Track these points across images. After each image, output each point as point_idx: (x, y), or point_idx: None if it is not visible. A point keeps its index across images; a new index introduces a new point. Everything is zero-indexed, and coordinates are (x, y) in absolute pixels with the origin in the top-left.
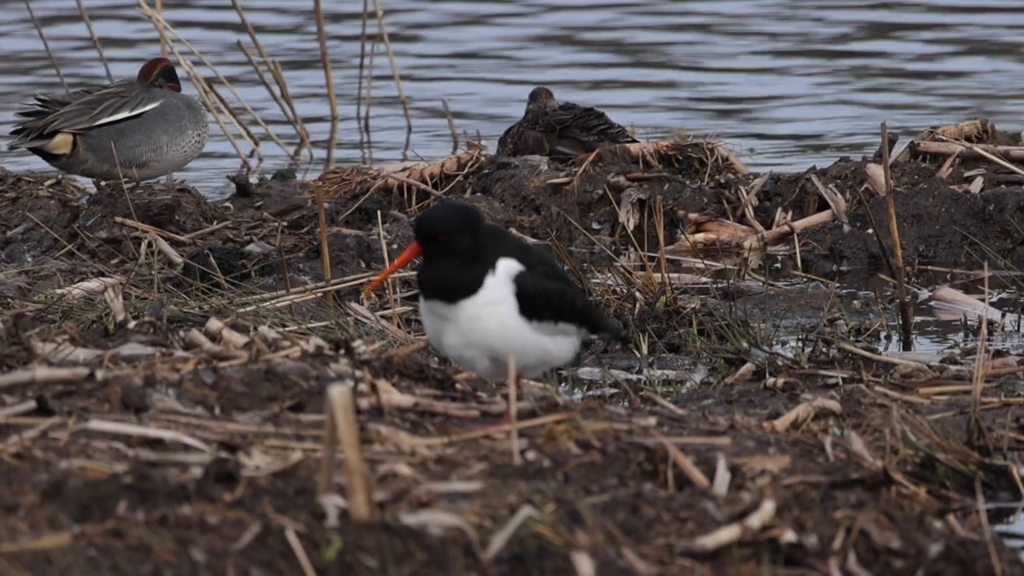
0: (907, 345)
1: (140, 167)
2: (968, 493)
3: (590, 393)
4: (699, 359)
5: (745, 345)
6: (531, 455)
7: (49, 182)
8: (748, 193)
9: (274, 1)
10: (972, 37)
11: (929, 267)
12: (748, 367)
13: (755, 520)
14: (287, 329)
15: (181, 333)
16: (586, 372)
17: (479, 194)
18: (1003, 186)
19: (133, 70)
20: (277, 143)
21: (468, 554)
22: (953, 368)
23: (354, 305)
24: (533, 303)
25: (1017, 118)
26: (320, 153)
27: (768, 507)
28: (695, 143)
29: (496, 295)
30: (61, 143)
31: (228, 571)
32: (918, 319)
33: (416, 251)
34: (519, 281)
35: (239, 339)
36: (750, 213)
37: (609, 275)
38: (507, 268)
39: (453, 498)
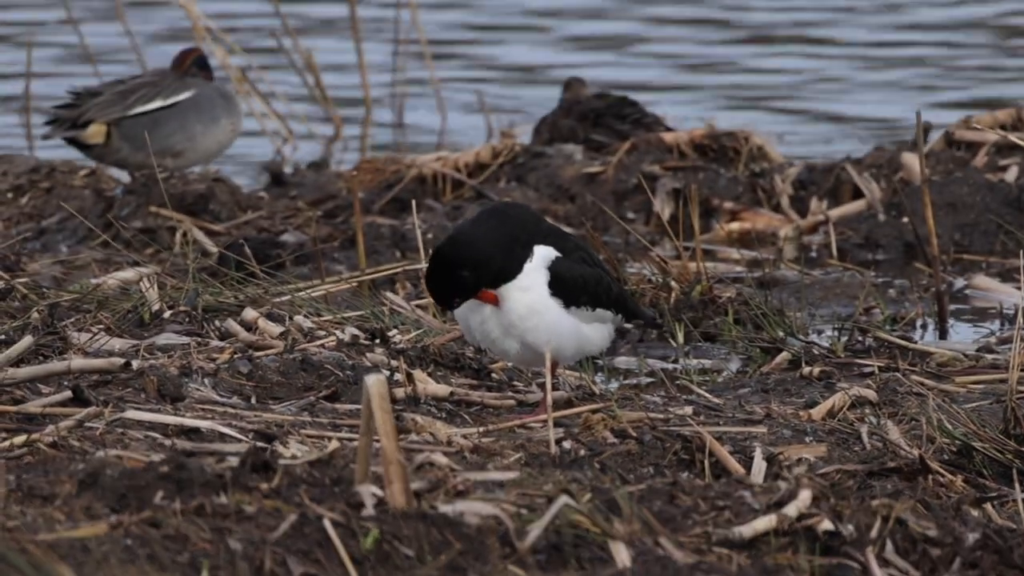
0: (943, 334)
1: (174, 156)
2: (1005, 481)
3: (626, 382)
4: (735, 348)
5: (781, 334)
6: (567, 444)
7: (83, 172)
8: (783, 182)
9: None
10: None
11: (964, 256)
12: (784, 356)
13: (792, 509)
14: (322, 319)
15: (216, 323)
16: (622, 361)
17: (514, 183)
18: None
19: (167, 59)
20: (311, 132)
21: (505, 543)
22: (989, 357)
23: (389, 294)
24: (569, 288)
25: None
26: (354, 142)
27: (805, 496)
28: (730, 132)
29: (532, 280)
30: (95, 133)
31: (265, 560)
32: (954, 308)
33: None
34: (554, 267)
35: (275, 329)
36: (785, 202)
37: (644, 264)
38: (543, 254)
39: (490, 487)
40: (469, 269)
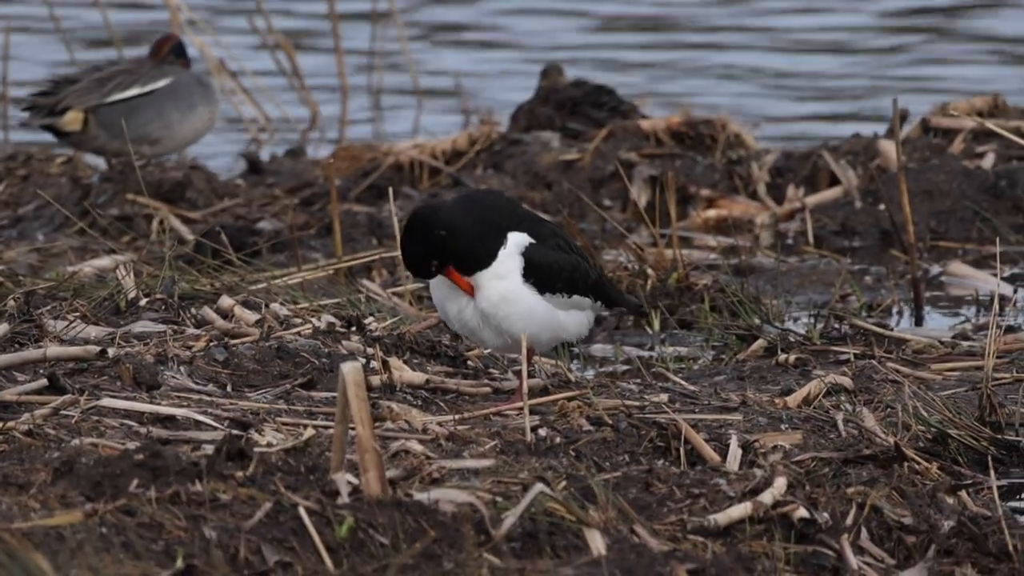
0: (919, 321)
1: (151, 144)
2: (980, 469)
3: (602, 370)
4: (711, 335)
5: (757, 321)
6: (543, 432)
7: (60, 159)
8: (760, 169)
9: None
10: None
11: (941, 243)
12: (760, 343)
13: (767, 497)
14: (299, 306)
15: (193, 310)
16: (598, 349)
17: (490, 171)
18: (1015, 161)
19: (144, 47)
20: (288, 120)
21: (480, 531)
22: (965, 344)
23: (366, 282)
24: (544, 275)
25: None
26: (331, 130)
27: (780, 483)
28: (707, 119)
29: (506, 267)
30: (72, 120)
31: (240, 548)
32: (930, 295)
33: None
34: (528, 253)
35: (251, 316)
36: (762, 189)
37: (621, 252)
38: (517, 240)
39: (465, 475)
40: (445, 230)
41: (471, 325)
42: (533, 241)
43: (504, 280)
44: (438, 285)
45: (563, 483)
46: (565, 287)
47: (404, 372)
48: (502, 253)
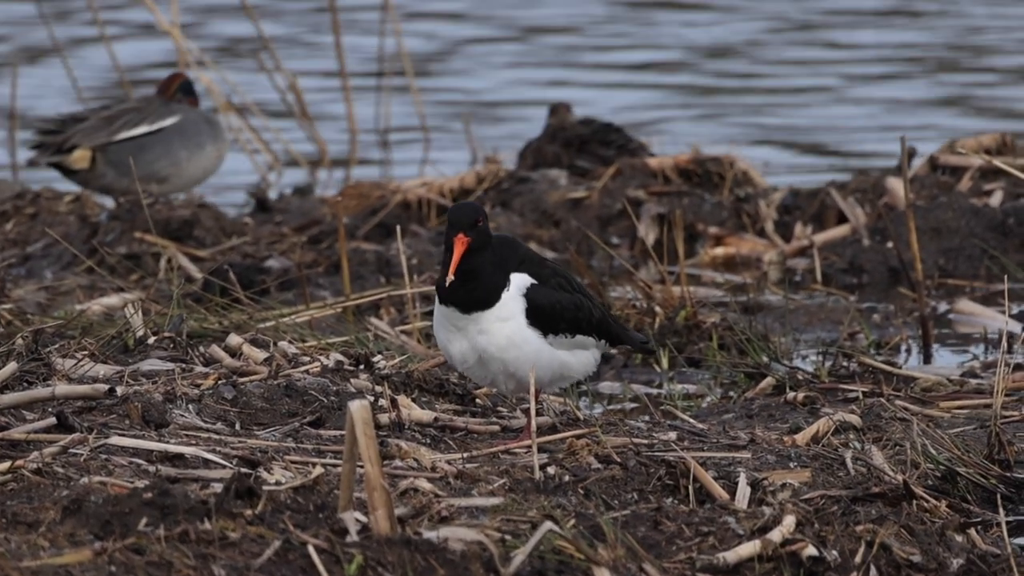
0: (927, 359)
1: (159, 182)
2: (989, 507)
3: (610, 407)
4: (719, 373)
5: (765, 359)
6: (552, 470)
7: (68, 198)
8: (768, 207)
9: (291, 12)
10: None
11: (949, 280)
12: (768, 381)
13: (776, 535)
14: (307, 344)
15: (201, 349)
16: (606, 386)
17: (498, 208)
18: (1023, 199)
19: (152, 85)
20: (296, 158)
21: (489, 569)
22: (973, 382)
23: (374, 320)
24: (547, 316)
25: None
26: (339, 168)
27: (789, 521)
28: (715, 157)
29: (509, 310)
30: (80, 158)
31: None
32: (938, 332)
33: (465, 242)
34: (531, 294)
35: (259, 354)
36: (770, 227)
37: (629, 289)
38: (519, 282)
39: (474, 513)
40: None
41: (474, 365)
42: (535, 282)
43: (508, 323)
44: (441, 324)
45: (572, 521)
46: (568, 327)
47: (413, 410)
48: (505, 295)
